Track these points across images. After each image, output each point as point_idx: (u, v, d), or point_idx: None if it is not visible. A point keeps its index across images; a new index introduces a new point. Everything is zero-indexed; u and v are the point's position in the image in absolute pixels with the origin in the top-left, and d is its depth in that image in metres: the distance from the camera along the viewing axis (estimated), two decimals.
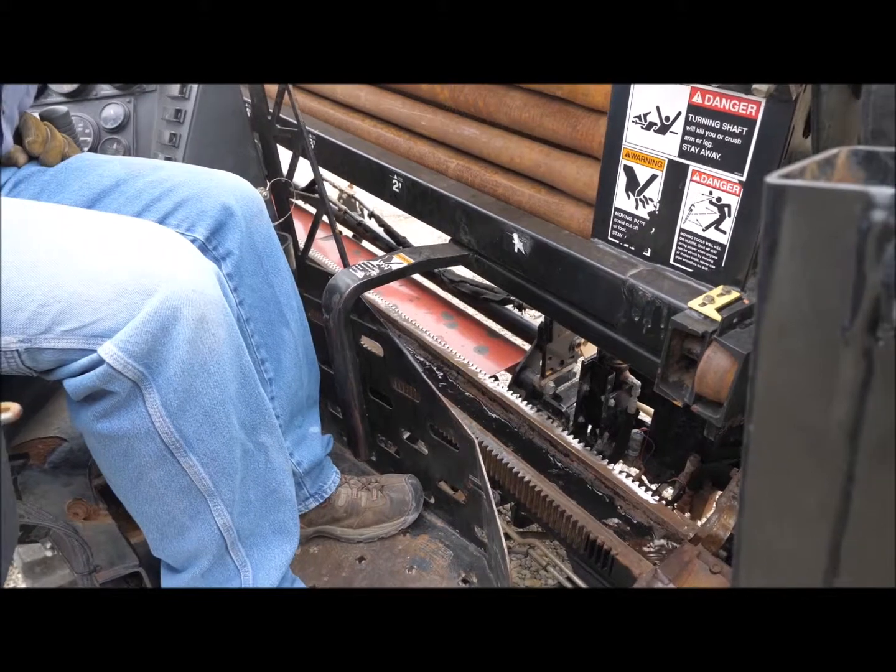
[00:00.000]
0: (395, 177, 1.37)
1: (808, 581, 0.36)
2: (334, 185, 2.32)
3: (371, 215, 2.30)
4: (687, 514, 1.58)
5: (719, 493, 1.61)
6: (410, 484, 1.29)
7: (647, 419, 1.73)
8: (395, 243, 2.23)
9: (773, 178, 0.33)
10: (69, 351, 0.73)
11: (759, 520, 0.37)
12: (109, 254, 0.76)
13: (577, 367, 1.82)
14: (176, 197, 0.99)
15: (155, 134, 1.27)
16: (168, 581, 0.96)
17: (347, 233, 2.28)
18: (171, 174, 1.01)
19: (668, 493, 1.65)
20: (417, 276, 2.15)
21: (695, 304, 0.89)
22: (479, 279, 2.06)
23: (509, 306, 1.99)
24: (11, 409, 0.52)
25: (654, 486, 1.42)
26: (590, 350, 1.86)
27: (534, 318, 2.04)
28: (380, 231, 2.28)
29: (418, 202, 1.33)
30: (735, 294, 0.91)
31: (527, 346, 1.88)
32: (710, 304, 0.89)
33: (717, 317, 0.87)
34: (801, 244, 0.33)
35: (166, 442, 0.80)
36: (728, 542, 1.26)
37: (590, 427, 1.77)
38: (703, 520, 1.46)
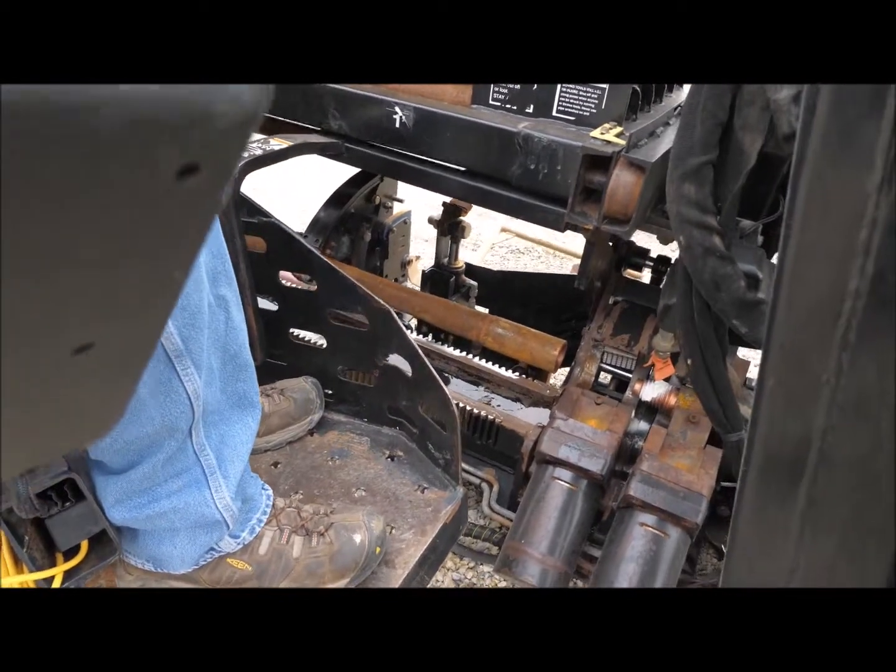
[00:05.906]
0: None
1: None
2: None
3: None
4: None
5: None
6: (311, 382, 1.25)
7: None
8: None
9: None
10: None
11: (774, 384, 0.42)
12: None
13: (417, 279, 1.90)
14: None
15: None
16: (112, 484, 0.82)
17: None
18: None
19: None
20: None
21: (595, 133, 1.03)
22: None
23: None
24: None
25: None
26: (421, 266, 1.94)
27: None
28: None
29: (279, 94, 1.28)
30: (619, 128, 1.06)
31: None
32: (607, 133, 1.03)
33: (620, 141, 1.01)
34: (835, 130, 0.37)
35: None
36: (592, 388, 1.44)
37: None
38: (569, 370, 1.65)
